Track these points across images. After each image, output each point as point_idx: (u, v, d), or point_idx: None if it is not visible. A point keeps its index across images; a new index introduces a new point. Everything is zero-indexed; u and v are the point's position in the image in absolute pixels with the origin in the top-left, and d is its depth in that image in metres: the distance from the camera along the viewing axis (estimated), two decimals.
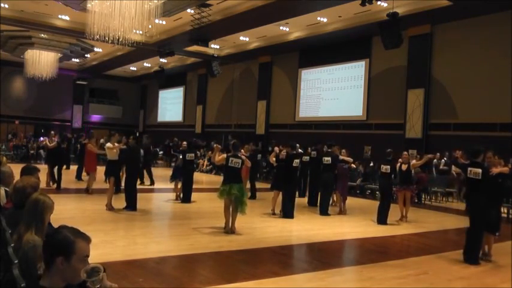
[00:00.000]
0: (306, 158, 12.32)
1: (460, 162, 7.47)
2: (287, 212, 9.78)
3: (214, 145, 9.13)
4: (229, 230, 7.88)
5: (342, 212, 10.79)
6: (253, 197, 12.47)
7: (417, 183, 13.32)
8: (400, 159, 10.02)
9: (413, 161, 10.45)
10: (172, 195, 11.91)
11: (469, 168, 6.72)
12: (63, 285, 1.98)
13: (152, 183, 14.63)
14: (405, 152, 10.48)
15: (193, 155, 11.94)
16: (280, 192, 10.05)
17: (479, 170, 6.58)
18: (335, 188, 11.11)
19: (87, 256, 2.02)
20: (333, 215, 10.54)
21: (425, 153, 15.44)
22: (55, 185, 12.50)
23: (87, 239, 2.03)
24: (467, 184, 7.06)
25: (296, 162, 10.08)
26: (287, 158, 9.91)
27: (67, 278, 1.97)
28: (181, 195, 11.41)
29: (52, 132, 14.57)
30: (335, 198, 11.76)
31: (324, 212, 10.50)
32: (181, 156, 11.72)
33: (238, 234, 7.78)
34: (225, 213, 8.00)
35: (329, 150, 11.18)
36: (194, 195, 11.45)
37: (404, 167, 9.90)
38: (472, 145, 7.43)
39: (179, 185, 11.66)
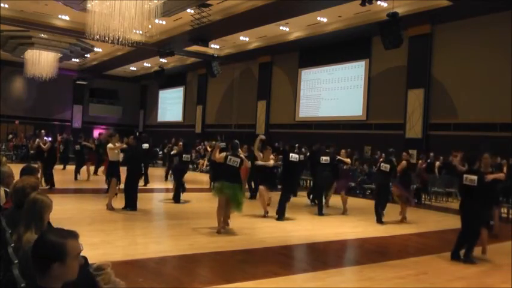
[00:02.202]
0: (301, 157, 12.28)
1: (459, 169, 7.27)
2: (282, 213, 9.46)
3: (216, 143, 9.12)
4: (221, 228, 7.69)
5: (344, 211, 10.80)
6: (252, 197, 12.45)
7: (421, 184, 13.37)
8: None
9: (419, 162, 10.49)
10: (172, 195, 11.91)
11: (465, 175, 6.71)
12: (60, 285, 1.98)
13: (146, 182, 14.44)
14: (405, 153, 10.51)
15: (189, 156, 12.11)
16: (265, 188, 9.83)
17: (475, 177, 6.57)
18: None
19: (80, 252, 2.00)
20: (333, 215, 10.54)
21: (427, 152, 15.52)
22: (48, 186, 12.42)
23: (75, 236, 2.01)
24: (462, 190, 6.96)
25: (295, 157, 9.82)
26: (286, 152, 9.82)
27: (65, 278, 1.97)
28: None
29: (42, 131, 14.05)
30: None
31: (319, 212, 10.48)
32: (177, 157, 11.76)
33: (238, 234, 7.77)
34: (218, 213, 7.79)
35: (327, 150, 11.20)
36: (194, 196, 11.47)
37: (403, 164, 9.91)
38: (469, 151, 7.38)
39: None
